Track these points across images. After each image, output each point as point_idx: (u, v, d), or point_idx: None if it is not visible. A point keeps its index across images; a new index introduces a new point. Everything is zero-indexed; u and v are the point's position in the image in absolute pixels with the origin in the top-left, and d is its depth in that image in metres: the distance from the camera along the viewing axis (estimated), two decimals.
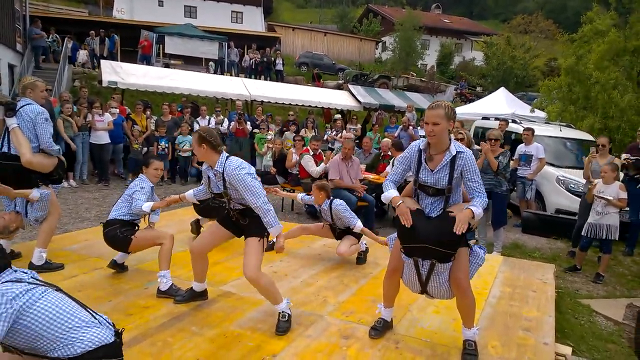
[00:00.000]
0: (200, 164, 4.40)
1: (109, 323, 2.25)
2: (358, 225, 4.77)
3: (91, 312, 2.21)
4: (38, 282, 2.12)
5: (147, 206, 3.85)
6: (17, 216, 4.11)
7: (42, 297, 2.04)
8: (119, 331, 2.25)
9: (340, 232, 4.93)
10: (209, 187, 3.46)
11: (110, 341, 2.14)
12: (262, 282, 3.26)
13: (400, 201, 2.93)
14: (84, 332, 2.07)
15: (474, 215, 2.82)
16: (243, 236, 3.41)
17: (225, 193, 3.29)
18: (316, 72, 25.51)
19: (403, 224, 2.86)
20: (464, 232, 2.77)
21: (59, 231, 5.49)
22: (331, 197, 4.89)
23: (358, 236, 4.89)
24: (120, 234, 3.88)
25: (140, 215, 3.98)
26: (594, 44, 11.38)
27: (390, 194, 3.03)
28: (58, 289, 2.18)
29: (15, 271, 2.14)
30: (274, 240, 4.30)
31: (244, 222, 3.35)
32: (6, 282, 2.04)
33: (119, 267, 4.22)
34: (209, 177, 3.40)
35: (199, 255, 3.55)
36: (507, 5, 56.89)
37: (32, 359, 2.07)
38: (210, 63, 21.07)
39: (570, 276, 5.78)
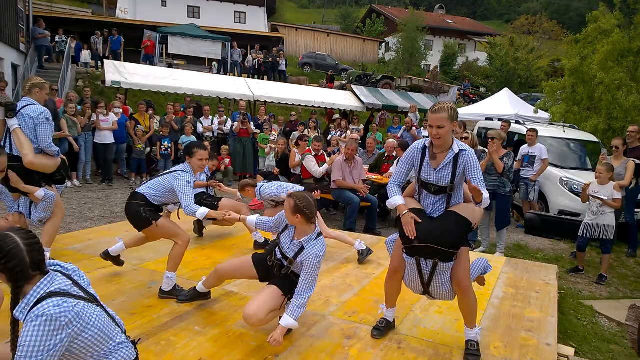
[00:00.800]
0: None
1: (124, 332, 2.21)
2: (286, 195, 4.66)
3: (119, 325, 2.16)
4: (82, 296, 1.98)
5: (201, 213, 3.56)
6: (20, 217, 4.12)
7: (91, 320, 1.92)
8: (135, 342, 2.23)
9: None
10: (278, 239, 3.21)
11: (134, 358, 2.13)
12: (265, 323, 3.05)
13: (406, 211, 2.93)
14: (117, 354, 2.04)
15: (468, 224, 2.88)
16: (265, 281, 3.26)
17: (291, 262, 3.09)
18: (330, 73, 25.35)
19: (407, 235, 2.86)
20: (471, 225, 2.80)
21: (62, 230, 5.52)
22: (258, 185, 4.94)
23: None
24: (144, 212, 3.64)
25: (188, 214, 3.68)
26: (598, 44, 11.34)
27: (395, 200, 3.03)
28: (98, 303, 2.07)
29: (54, 277, 1.94)
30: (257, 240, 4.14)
31: (277, 274, 3.16)
32: (51, 295, 1.85)
33: (112, 260, 4.11)
34: (286, 229, 3.18)
35: (221, 278, 3.50)
36: (511, 5, 56.83)
37: None
38: (214, 63, 21.10)
39: (573, 277, 5.77)
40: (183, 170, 3.69)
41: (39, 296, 1.85)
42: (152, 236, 3.90)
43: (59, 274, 1.98)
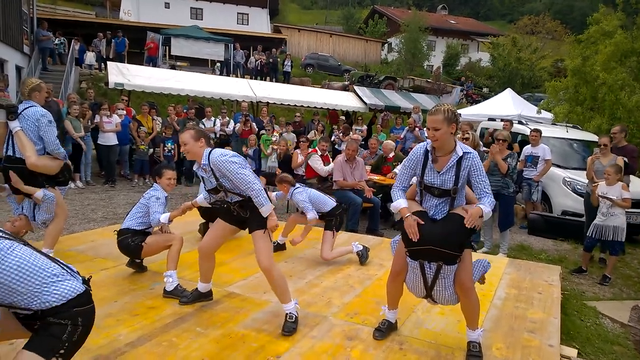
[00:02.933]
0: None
1: (77, 273, 2.27)
2: (310, 215, 4.77)
3: (61, 264, 2.23)
4: (5, 236, 2.10)
5: (164, 217, 3.93)
6: (26, 221, 4.16)
7: (12, 251, 2.02)
8: (87, 279, 2.28)
9: (323, 215, 4.96)
10: (206, 187, 3.47)
11: (82, 291, 2.17)
12: (275, 274, 3.30)
13: (408, 214, 2.93)
14: (56, 285, 2.09)
15: (483, 214, 2.84)
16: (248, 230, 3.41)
17: (220, 185, 3.30)
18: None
19: (410, 237, 2.86)
20: (474, 227, 2.80)
21: (65, 232, 5.53)
22: (295, 186, 5.04)
23: (330, 225, 4.91)
24: (132, 242, 3.96)
25: (155, 225, 4.05)
26: (600, 45, 11.31)
27: (399, 204, 3.03)
28: (26, 243, 2.16)
29: None
30: (277, 241, 4.33)
31: (244, 215, 3.35)
32: None
33: (137, 267, 4.28)
34: (202, 177, 3.44)
35: (207, 254, 3.57)
36: (514, 6, 56.73)
37: (5, 313, 2.09)
38: (217, 64, 21.13)
39: (577, 278, 5.74)
40: (154, 189, 4.12)
41: None
42: (150, 254, 4.12)
43: None
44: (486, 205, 2.87)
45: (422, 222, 2.87)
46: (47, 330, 2.08)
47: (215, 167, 3.22)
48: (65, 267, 2.24)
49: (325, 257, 4.81)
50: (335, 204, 4.98)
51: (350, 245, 5.04)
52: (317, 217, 4.84)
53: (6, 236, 2.11)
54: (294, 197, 4.94)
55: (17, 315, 2.12)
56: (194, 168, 3.48)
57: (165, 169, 4.25)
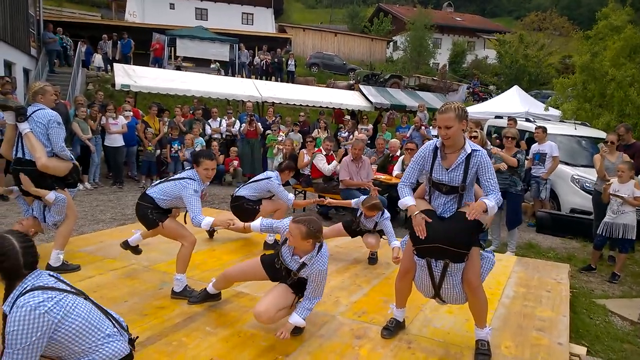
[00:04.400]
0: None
1: (124, 328, 2.29)
2: (394, 244, 4.55)
3: (113, 320, 2.25)
4: (67, 289, 2.10)
5: (206, 224, 3.55)
6: (35, 221, 4.19)
7: (74, 309, 2.04)
8: (134, 339, 2.31)
9: (359, 232, 4.96)
10: (281, 253, 3.19)
11: (126, 354, 2.20)
12: (275, 320, 3.14)
13: (417, 212, 2.92)
14: (107, 346, 2.12)
15: (487, 207, 2.82)
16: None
17: (295, 274, 3.12)
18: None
19: (418, 235, 2.86)
20: (476, 217, 2.78)
21: (74, 233, 5.57)
22: (383, 212, 4.82)
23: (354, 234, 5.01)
24: (151, 214, 3.75)
25: (196, 226, 3.69)
26: (609, 40, 11.22)
27: (406, 201, 3.02)
28: (85, 297, 2.18)
29: (40, 274, 2.10)
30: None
31: (286, 275, 3.18)
32: (34, 289, 1.98)
33: (132, 249, 4.30)
34: (285, 241, 3.15)
35: (230, 281, 3.55)
36: (521, 2, 56.28)
37: None
38: (216, 64, 21.06)
39: (586, 276, 5.71)
40: (191, 178, 3.71)
41: (23, 290, 1.99)
42: (164, 235, 3.99)
43: (46, 273, 2.14)
44: (490, 200, 2.86)
45: (430, 220, 2.87)
46: None
47: (310, 271, 3.03)
48: (116, 324, 2.26)
49: (372, 244, 4.84)
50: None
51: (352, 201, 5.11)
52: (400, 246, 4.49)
53: (71, 290, 2.12)
54: (382, 223, 4.77)
55: None
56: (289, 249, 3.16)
57: (203, 158, 3.76)
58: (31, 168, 3.99)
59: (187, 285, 3.80)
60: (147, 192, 3.84)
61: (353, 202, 5.10)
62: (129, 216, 7.27)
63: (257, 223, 3.48)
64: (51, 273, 2.18)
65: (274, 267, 3.26)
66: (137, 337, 2.38)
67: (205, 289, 3.68)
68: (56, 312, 1.96)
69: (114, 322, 2.25)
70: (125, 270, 4.33)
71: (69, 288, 2.12)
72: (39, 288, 1.99)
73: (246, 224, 3.60)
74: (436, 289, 3.00)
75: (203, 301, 3.67)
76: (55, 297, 2.00)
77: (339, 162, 7.69)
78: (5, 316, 1.99)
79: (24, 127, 3.97)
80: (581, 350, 3.40)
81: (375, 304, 3.84)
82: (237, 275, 3.51)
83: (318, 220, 3.01)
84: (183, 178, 3.75)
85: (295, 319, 3.04)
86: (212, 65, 20.67)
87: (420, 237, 2.85)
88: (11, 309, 1.93)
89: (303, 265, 3.06)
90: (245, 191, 5.24)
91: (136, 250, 4.38)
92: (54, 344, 1.97)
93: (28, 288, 1.99)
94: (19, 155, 4.06)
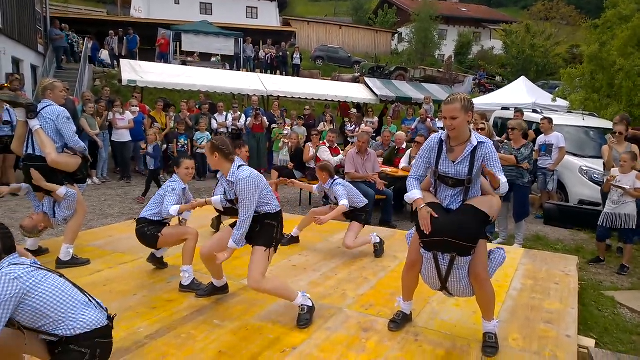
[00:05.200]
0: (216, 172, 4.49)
1: (102, 307, 2.39)
2: (342, 202, 4.77)
3: (88, 296, 2.35)
4: (40, 267, 2.25)
5: (174, 210, 3.95)
6: (44, 216, 4.23)
7: (46, 279, 2.17)
8: (112, 316, 2.40)
9: (348, 212, 4.99)
10: (225, 195, 3.51)
11: (104, 324, 2.28)
12: (268, 288, 3.29)
13: (423, 205, 2.91)
14: (83, 314, 2.21)
15: (485, 217, 2.86)
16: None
17: (237, 200, 3.30)
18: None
19: (422, 229, 2.86)
20: (489, 217, 2.81)
21: (84, 227, 5.63)
22: (334, 178, 5.02)
23: (360, 219, 5.00)
24: (148, 231, 3.97)
25: (170, 217, 4.08)
26: (617, 29, 11.06)
27: (414, 194, 3.01)
28: (60, 275, 2.30)
29: (17, 257, 2.26)
30: (291, 234, 4.33)
31: (254, 228, 3.33)
32: (10, 265, 2.15)
33: (158, 263, 4.32)
34: (224, 186, 3.47)
35: (208, 259, 3.56)
36: None
37: (32, 334, 2.19)
38: (217, 57, 20.96)
39: (594, 268, 5.68)
40: (172, 180, 4.17)
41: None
42: (166, 245, 4.16)
43: (24, 257, 2.30)
44: (502, 177, 2.91)
45: (437, 216, 2.86)
46: (66, 357, 2.18)
47: (236, 188, 3.23)
48: (92, 299, 2.36)
49: (348, 244, 4.86)
50: (367, 201, 5.13)
51: (369, 236, 5.06)
52: (348, 206, 4.86)
53: (41, 267, 2.25)
54: (333, 187, 4.94)
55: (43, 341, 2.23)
56: (218, 176, 3.52)
57: (183, 159, 4.30)
58: (42, 164, 4.04)
59: (194, 278, 3.84)
60: (139, 217, 4.13)
61: (314, 187, 5.35)
62: (136, 210, 7.31)
63: (217, 198, 3.77)
64: (34, 261, 2.34)
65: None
66: (115, 314, 2.45)
67: (212, 282, 3.72)
68: (26, 278, 2.09)
69: (89, 297, 2.35)
70: (134, 264, 4.37)
71: (44, 268, 2.27)
72: (15, 265, 2.15)
73: (207, 199, 3.98)
74: (443, 282, 3.00)
75: (210, 294, 3.70)
76: (27, 268, 2.15)
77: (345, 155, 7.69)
78: None
79: (34, 123, 4.01)
80: (590, 342, 3.38)
81: (382, 297, 3.85)
82: (211, 250, 3.51)
83: (225, 138, 3.39)
84: (163, 187, 4.17)
85: (230, 242, 3.25)
86: (213, 59, 20.64)
87: (425, 232, 2.85)
88: None
89: (232, 184, 3.26)
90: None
91: (162, 263, 4.36)
92: (29, 310, 2.08)
93: (5, 265, 2.15)
94: (29, 151, 4.11)
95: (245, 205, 3.20)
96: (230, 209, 4.74)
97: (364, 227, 5.07)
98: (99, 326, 2.24)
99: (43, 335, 2.19)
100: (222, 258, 3.28)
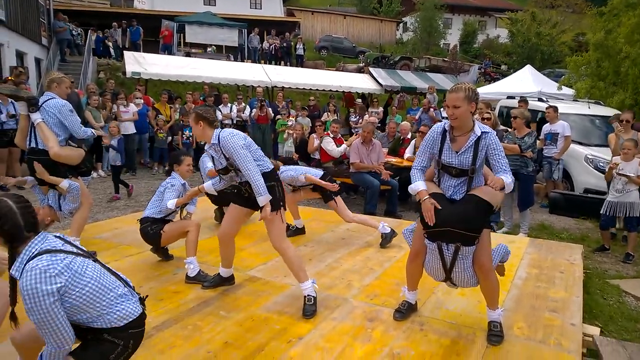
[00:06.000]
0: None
1: (134, 290, 2.30)
2: (301, 179, 4.93)
3: (123, 280, 2.26)
4: (74, 251, 2.09)
5: (171, 203, 4.03)
6: (50, 210, 4.27)
7: (85, 271, 2.03)
8: (144, 298, 2.31)
9: (315, 188, 5.08)
10: (215, 168, 3.54)
11: (139, 314, 2.20)
12: (290, 253, 3.39)
13: (426, 197, 2.91)
14: (121, 307, 2.12)
15: (504, 184, 2.87)
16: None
17: (230, 164, 3.35)
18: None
19: (426, 221, 2.86)
20: (493, 207, 2.83)
21: (90, 220, 5.67)
22: (280, 169, 5.01)
23: (326, 194, 5.06)
24: (151, 230, 4.06)
25: (171, 212, 4.15)
26: (624, 17, 10.91)
27: (417, 186, 3.01)
28: (94, 259, 2.19)
29: (46, 237, 2.07)
30: (296, 225, 4.35)
31: (247, 189, 3.38)
32: (43, 253, 1.96)
33: (163, 255, 4.36)
34: (212, 157, 3.49)
35: (226, 240, 3.63)
36: None
37: None
38: (212, 47, 20.86)
39: (599, 256, 5.67)
40: (171, 178, 4.24)
41: (31, 254, 1.97)
42: (170, 241, 4.19)
43: (51, 235, 2.11)
44: (507, 177, 2.90)
45: (440, 207, 2.86)
46: (98, 346, 2.09)
47: (223, 146, 3.27)
48: (127, 284, 2.26)
49: (349, 219, 4.99)
50: (322, 172, 5.20)
51: (379, 223, 5.06)
52: (311, 174, 4.99)
53: (78, 252, 2.11)
54: (282, 176, 4.93)
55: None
56: (206, 147, 3.55)
57: (183, 156, 4.38)
58: (45, 157, 4.05)
59: (200, 269, 3.87)
60: (141, 217, 4.20)
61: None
62: (142, 203, 7.35)
63: (209, 183, 3.74)
64: (57, 234, 2.16)
65: (243, 197, 3.49)
66: (147, 295, 2.37)
67: (219, 273, 3.75)
68: (67, 274, 1.95)
69: (125, 282, 2.27)
70: (140, 256, 4.41)
71: (76, 250, 2.12)
72: (47, 252, 1.98)
73: (199, 186, 3.92)
74: (447, 272, 3.00)
75: (217, 285, 3.73)
76: (64, 259, 1.99)
77: (349, 145, 7.68)
78: (13, 280, 2.00)
79: (36, 117, 4.02)
80: (594, 330, 3.39)
81: (387, 287, 3.86)
82: (227, 230, 3.61)
83: (208, 107, 3.41)
84: (162, 184, 4.23)
85: (259, 200, 3.24)
86: (209, 49, 20.53)
87: (429, 223, 2.85)
88: (21, 274, 1.92)
89: (219, 147, 3.30)
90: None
91: (166, 255, 4.39)
92: (67, 307, 1.97)
93: (35, 252, 1.97)
94: (32, 145, 4.12)
95: (242, 161, 3.23)
96: (220, 197, 4.78)
97: (338, 199, 5.06)
98: (135, 317, 2.16)
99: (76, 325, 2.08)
100: (267, 214, 3.27)
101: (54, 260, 1.95)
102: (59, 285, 1.91)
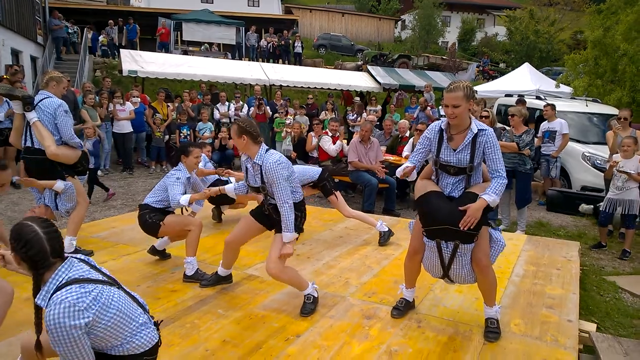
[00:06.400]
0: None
1: (147, 311, 2.25)
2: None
3: (142, 306, 2.21)
4: (101, 279, 2.03)
5: (184, 200, 3.85)
6: (47, 209, 4.25)
7: (111, 302, 1.97)
8: (158, 323, 2.27)
9: (315, 184, 5.07)
10: (247, 180, 3.42)
11: (155, 342, 2.16)
12: (285, 277, 3.30)
13: (415, 176, 2.97)
14: (140, 335, 2.08)
15: (487, 204, 2.79)
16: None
17: (263, 187, 3.27)
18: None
19: (422, 214, 2.87)
20: (471, 227, 2.77)
21: (87, 219, 5.66)
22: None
23: (329, 191, 5.04)
24: (150, 219, 3.92)
25: (175, 207, 3.98)
26: (621, 14, 10.94)
27: (403, 165, 3.06)
28: (118, 286, 2.12)
29: (72, 263, 1.99)
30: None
31: (277, 217, 3.29)
32: (71, 283, 1.89)
33: (160, 254, 4.29)
34: (247, 169, 3.37)
35: (234, 248, 3.61)
36: None
37: None
38: (205, 45, 20.79)
39: (596, 253, 5.69)
40: (176, 169, 4.06)
41: (58, 283, 1.90)
42: (167, 234, 4.10)
43: (77, 260, 2.04)
44: (490, 194, 2.80)
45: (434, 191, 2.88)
46: None
47: (265, 172, 3.18)
48: (145, 310, 2.21)
49: (347, 214, 4.97)
50: (320, 169, 5.17)
51: (377, 221, 5.07)
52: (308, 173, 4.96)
53: (104, 279, 2.04)
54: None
55: None
56: (242, 159, 3.42)
57: (192, 147, 4.14)
58: (41, 157, 4.03)
59: (198, 268, 3.86)
60: (141, 203, 4.06)
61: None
62: (139, 202, 7.33)
63: (230, 186, 3.71)
64: (81, 257, 2.10)
65: (262, 214, 3.47)
66: (162, 320, 2.38)
67: (217, 272, 3.74)
68: (95, 308, 1.89)
69: (144, 309, 2.22)
70: (138, 255, 4.40)
71: (102, 277, 2.05)
72: (75, 281, 1.91)
73: (220, 187, 3.81)
74: (445, 269, 3.01)
75: (215, 284, 3.73)
76: (92, 290, 1.92)
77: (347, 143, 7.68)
78: (38, 309, 1.95)
79: (32, 116, 3.99)
80: (591, 326, 3.40)
81: (385, 285, 3.87)
82: (238, 238, 3.58)
83: (251, 120, 3.23)
84: (167, 175, 4.06)
85: (286, 236, 3.18)
86: (202, 47, 20.48)
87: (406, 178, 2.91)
88: (47, 304, 1.87)
89: (259, 168, 3.21)
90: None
91: (164, 255, 4.33)
92: (93, 339, 1.93)
93: (63, 282, 1.90)
94: (28, 144, 4.09)
95: (281, 193, 3.15)
96: (225, 197, 4.75)
97: (339, 193, 5.05)
98: (152, 345, 2.13)
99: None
100: (289, 252, 3.22)
101: (82, 293, 1.88)
102: (87, 320, 1.86)
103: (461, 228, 2.76)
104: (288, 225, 3.18)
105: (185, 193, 3.99)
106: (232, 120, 11.26)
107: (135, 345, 2.05)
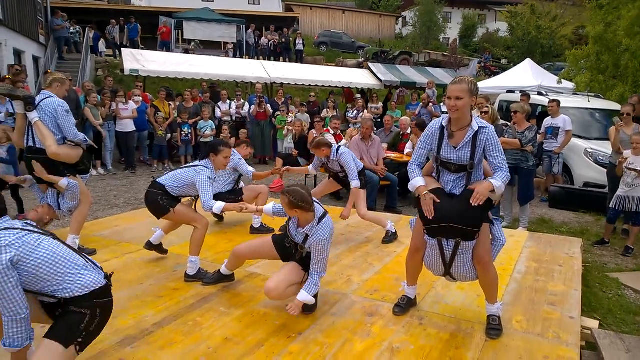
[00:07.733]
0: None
1: (100, 268, 2.41)
2: (354, 184, 4.79)
3: (85, 257, 2.37)
4: (33, 230, 2.24)
5: (218, 207, 3.64)
6: (49, 209, 4.27)
7: (40, 243, 2.18)
8: (109, 275, 2.42)
9: (345, 178, 4.97)
10: (288, 229, 3.33)
11: (102, 284, 2.31)
12: (285, 296, 3.21)
13: (425, 192, 2.91)
14: (80, 276, 2.24)
15: (493, 188, 2.80)
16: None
17: (301, 247, 3.23)
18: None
19: (426, 215, 2.86)
20: (480, 204, 2.76)
21: (90, 218, 5.68)
22: (337, 146, 4.95)
23: (364, 185, 5.02)
24: (162, 201, 3.78)
25: (207, 211, 3.74)
26: (623, 9, 10.87)
27: (416, 182, 3.00)
28: (54, 237, 2.31)
29: (7, 219, 2.23)
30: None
31: (298, 252, 3.27)
32: (1, 230, 2.13)
33: (156, 249, 4.23)
34: (290, 223, 3.30)
35: (240, 258, 3.60)
36: None
37: (31, 300, 2.20)
38: (194, 42, 20.75)
39: (599, 250, 5.68)
40: (205, 167, 3.81)
41: None
42: (171, 221, 4.02)
43: (17, 221, 2.27)
44: (497, 180, 2.82)
45: (439, 201, 2.86)
46: (67, 318, 2.22)
47: (312, 236, 3.10)
48: (89, 261, 2.38)
49: (363, 214, 4.95)
50: (362, 165, 5.13)
51: (387, 221, 5.09)
52: (360, 186, 4.84)
53: (35, 230, 2.24)
54: (341, 157, 4.77)
55: (42, 303, 2.27)
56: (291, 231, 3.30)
57: (223, 146, 3.87)
58: (43, 156, 4.05)
59: (200, 267, 3.86)
60: (157, 180, 3.88)
61: (310, 167, 5.31)
62: (142, 200, 7.31)
63: (269, 206, 3.59)
64: (24, 221, 2.31)
65: (284, 246, 3.36)
66: (112, 273, 2.49)
67: (219, 270, 3.75)
68: (18, 245, 2.09)
69: (86, 259, 2.37)
70: (140, 253, 4.41)
71: (37, 230, 2.26)
72: (5, 229, 2.13)
73: (259, 207, 3.73)
74: (447, 267, 3.01)
75: (217, 282, 3.74)
76: (17, 233, 2.14)
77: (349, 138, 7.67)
78: None
79: (33, 116, 4.02)
80: (593, 323, 3.40)
81: (386, 282, 3.87)
82: (248, 253, 3.58)
83: (302, 190, 3.07)
84: (196, 166, 3.84)
85: (303, 296, 3.09)
86: (192, 44, 20.42)
87: (429, 217, 2.85)
88: None
89: (306, 236, 3.15)
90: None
91: (161, 249, 4.27)
92: (26, 275, 2.10)
93: None
94: (30, 143, 4.12)
95: (320, 261, 3.11)
96: (232, 196, 4.73)
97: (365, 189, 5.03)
98: (98, 286, 2.27)
99: (42, 297, 2.22)
100: (295, 312, 3.09)
101: (6, 234, 2.10)
102: (9, 255, 2.04)
103: (472, 203, 2.75)
104: (311, 287, 3.11)
105: None
106: (233, 118, 11.25)
107: (79, 286, 2.21)
